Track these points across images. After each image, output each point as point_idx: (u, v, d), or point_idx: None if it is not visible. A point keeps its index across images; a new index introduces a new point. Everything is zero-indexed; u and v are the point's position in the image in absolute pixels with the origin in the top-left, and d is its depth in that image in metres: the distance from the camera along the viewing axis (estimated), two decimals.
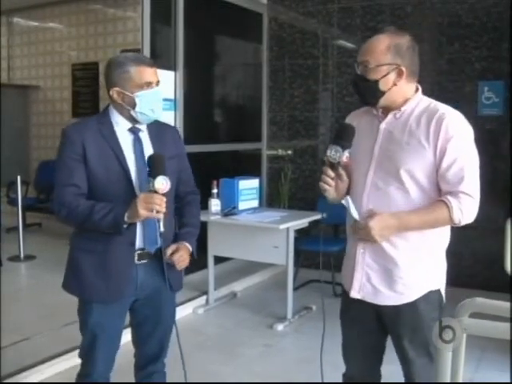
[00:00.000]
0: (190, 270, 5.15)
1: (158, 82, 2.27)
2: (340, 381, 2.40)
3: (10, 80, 8.73)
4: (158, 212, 2.11)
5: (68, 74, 8.21)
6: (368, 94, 2.12)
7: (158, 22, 4.91)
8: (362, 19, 5.72)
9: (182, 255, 2.30)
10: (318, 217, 4.85)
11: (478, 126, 5.54)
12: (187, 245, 2.35)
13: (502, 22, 4.99)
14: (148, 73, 2.23)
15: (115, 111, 2.29)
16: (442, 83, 5.39)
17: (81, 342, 2.37)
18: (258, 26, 6.21)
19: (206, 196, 4.65)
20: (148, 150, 2.28)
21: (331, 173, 2.10)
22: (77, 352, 2.42)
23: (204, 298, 4.92)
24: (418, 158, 2.03)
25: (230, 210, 4.62)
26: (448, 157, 2.00)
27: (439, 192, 2.06)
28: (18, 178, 6.30)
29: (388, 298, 2.14)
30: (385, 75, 2.06)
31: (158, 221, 2.15)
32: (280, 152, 6.28)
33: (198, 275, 5.20)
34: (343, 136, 2.09)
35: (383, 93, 2.07)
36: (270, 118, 6.35)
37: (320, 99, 6.06)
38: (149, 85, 2.23)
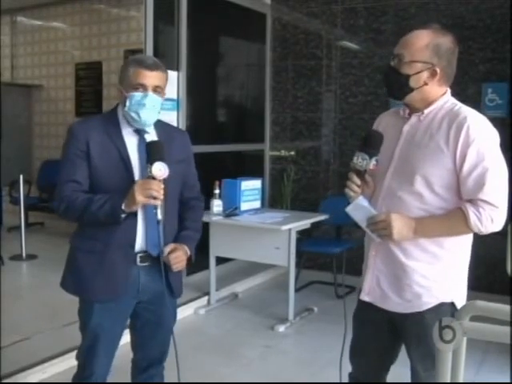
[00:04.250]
0: (191, 270, 5.24)
1: (156, 87, 2.22)
2: (345, 381, 2.36)
3: (14, 79, 8.73)
4: (155, 198, 2.08)
5: (71, 74, 8.20)
6: (396, 87, 2.06)
7: (161, 21, 4.91)
8: (365, 20, 5.71)
9: (178, 256, 2.25)
10: (320, 218, 4.85)
11: None
12: (185, 247, 2.31)
13: (506, 24, 4.97)
14: (144, 75, 2.19)
15: (122, 110, 2.27)
16: None
17: (80, 343, 2.35)
18: (262, 26, 6.21)
19: (208, 196, 4.66)
20: None
21: (357, 180, 2.04)
22: None
23: (205, 298, 4.92)
24: (434, 163, 1.96)
25: (232, 210, 4.61)
26: (468, 162, 1.91)
27: (460, 200, 1.97)
28: (21, 177, 6.30)
29: (396, 304, 2.09)
30: (418, 72, 2.00)
31: (156, 208, 2.12)
32: (283, 153, 6.28)
33: (200, 276, 5.21)
34: (370, 143, 2.03)
35: (412, 89, 2.01)
36: (273, 119, 6.34)
37: (323, 100, 6.05)
38: (142, 87, 2.19)
